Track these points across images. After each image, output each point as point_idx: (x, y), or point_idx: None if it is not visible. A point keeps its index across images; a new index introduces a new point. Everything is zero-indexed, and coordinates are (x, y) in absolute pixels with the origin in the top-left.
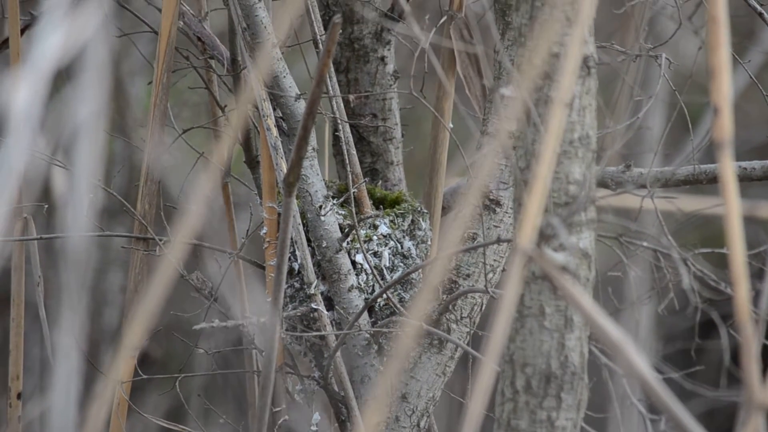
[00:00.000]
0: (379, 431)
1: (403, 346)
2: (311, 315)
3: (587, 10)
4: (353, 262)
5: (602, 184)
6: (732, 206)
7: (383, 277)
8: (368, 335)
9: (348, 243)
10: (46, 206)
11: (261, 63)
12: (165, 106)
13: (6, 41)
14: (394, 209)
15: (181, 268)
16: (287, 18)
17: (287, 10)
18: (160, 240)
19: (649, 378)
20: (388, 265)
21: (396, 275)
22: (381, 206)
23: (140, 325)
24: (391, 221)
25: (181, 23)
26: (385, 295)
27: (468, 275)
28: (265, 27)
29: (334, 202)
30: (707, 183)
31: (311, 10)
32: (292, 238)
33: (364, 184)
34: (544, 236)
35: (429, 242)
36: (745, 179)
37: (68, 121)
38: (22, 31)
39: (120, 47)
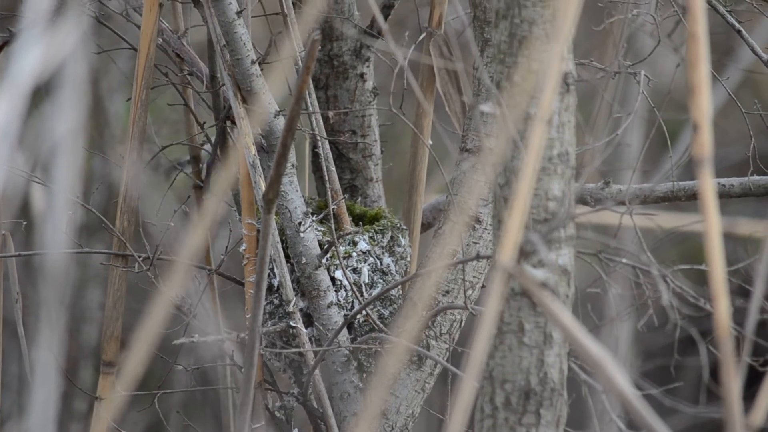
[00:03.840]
0: None
1: (385, 362)
2: (290, 331)
3: (566, 27)
4: (332, 279)
5: (581, 200)
6: (711, 223)
7: (362, 294)
8: (347, 352)
9: (327, 259)
10: (25, 223)
11: (240, 80)
12: (144, 122)
13: None
14: (374, 225)
15: (159, 284)
16: (266, 34)
17: (266, 27)
18: (139, 257)
19: (628, 394)
20: (367, 281)
21: (375, 292)
22: (360, 223)
23: (114, 340)
24: (371, 237)
25: (160, 40)
26: (364, 312)
27: (447, 291)
28: (245, 44)
29: (314, 218)
30: (686, 200)
31: (290, 26)
32: (271, 255)
33: (343, 200)
34: (524, 253)
35: (408, 258)
36: (724, 196)
37: (47, 138)
38: (0, 48)
39: (99, 64)
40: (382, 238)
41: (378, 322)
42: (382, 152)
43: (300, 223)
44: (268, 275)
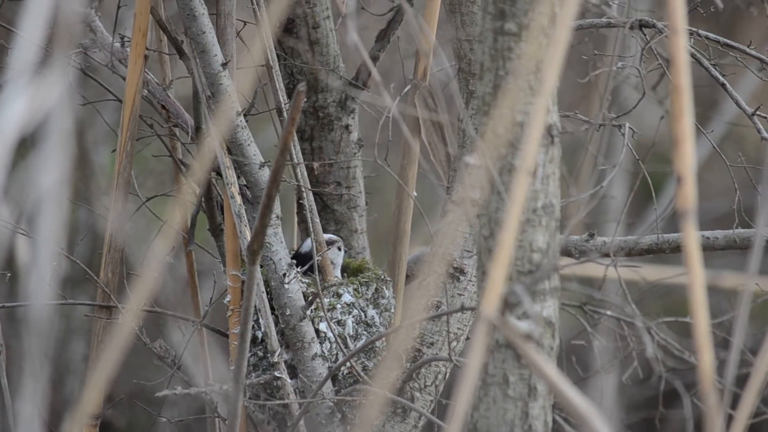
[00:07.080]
0: None
1: (368, 414)
2: (275, 383)
3: (551, 79)
4: (317, 331)
5: (566, 252)
6: (696, 275)
7: (347, 346)
8: (332, 403)
9: (312, 311)
10: (9, 274)
11: (225, 131)
12: (129, 174)
13: None
14: (358, 277)
15: (143, 335)
16: (252, 87)
17: (252, 79)
18: (123, 308)
19: None
20: (351, 333)
21: (360, 343)
22: (344, 274)
23: (96, 390)
24: (355, 290)
25: (146, 91)
26: (348, 364)
27: (432, 343)
28: (230, 95)
29: (298, 270)
30: (671, 252)
31: (275, 78)
32: (255, 306)
33: (327, 252)
34: (508, 304)
35: (392, 310)
36: (708, 249)
37: (32, 189)
38: None
39: (84, 115)
40: (367, 290)
41: (362, 374)
42: (366, 204)
43: (284, 275)
44: (252, 327)
